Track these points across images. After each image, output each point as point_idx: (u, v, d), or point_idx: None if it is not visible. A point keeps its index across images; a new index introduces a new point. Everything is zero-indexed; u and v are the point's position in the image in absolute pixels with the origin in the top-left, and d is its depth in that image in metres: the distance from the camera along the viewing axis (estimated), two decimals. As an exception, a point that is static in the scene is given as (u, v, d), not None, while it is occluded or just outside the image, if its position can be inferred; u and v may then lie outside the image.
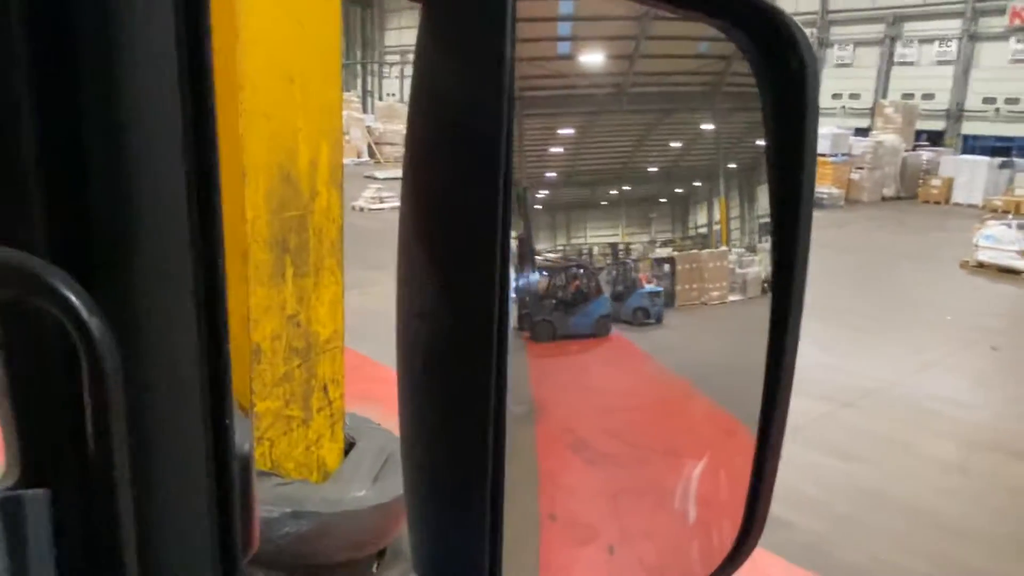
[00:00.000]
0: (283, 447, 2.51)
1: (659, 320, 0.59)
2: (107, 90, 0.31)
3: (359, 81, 41.62)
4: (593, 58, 0.58)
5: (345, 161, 3.35)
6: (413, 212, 0.38)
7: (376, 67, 41.97)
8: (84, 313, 0.30)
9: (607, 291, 0.57)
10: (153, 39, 0.31)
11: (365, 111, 31.23)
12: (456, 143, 0.36)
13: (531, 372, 0.56)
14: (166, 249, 0.33)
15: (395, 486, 2.55)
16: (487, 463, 0.37)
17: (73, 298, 0.30)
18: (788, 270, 0.54)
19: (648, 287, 0.58)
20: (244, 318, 2.23)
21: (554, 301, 0.54)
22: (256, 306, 2.26)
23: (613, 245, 0.60)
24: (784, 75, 0.50)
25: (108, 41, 0.30)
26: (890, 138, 23.10)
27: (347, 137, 22.79)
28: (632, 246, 0.60)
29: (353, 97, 31.31)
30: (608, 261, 0.59)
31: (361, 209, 15.09)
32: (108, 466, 0.32)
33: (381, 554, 2.74)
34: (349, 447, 2.86)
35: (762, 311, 0.60)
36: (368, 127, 25.70)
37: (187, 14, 0.32)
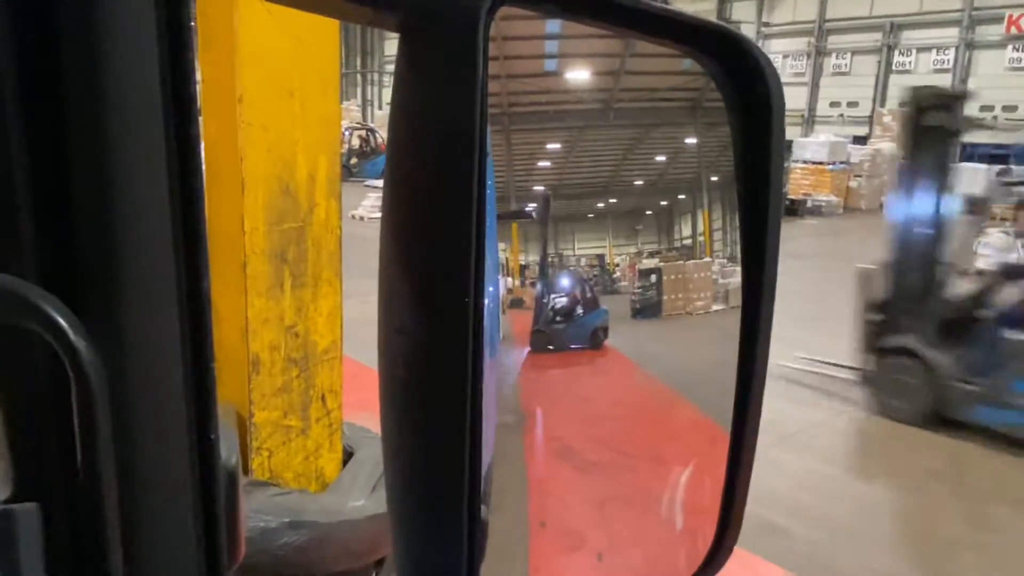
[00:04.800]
0: (281, 457, 2.52)
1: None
2: (93, 119, 0.32)
3: (359, 90, 41.71)
4: (581, 75, 0.60)
5: (343, 172, 3.36)
6: (392, 230, 0.40)
7: (376, 76, 42.07)
8: (72, 335, 0.31)
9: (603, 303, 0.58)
10: (138, 68, 0.32)
11: (365, 120, 31.30)
12: (432, 164, 0.38)
13: (522, 383, 0.58)
14: (151, 270, 0.34)
15: (393, 495, 2.55)
16: (464, 472, 0.38)
17: (62, 320, 0.31)
18: (757, 281, 0.56)
19: (602, 306, 0.58)
20: (242, 329, 2.24)
21: (551, 312, 0.55)
22: (254, 317, 2.27)
23: (600, 256, 0.61)
24: (751, 100, 0.52)
25: (93, 71, 0.31)
26: (888, 146, 23.13)
27: (347, 146, 22.84)
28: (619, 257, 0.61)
29: (353, 106, 31.39)
30: (595, 272, 0.60)
31: (361, 218, 15.09)
32: (95, 481, 0.33)
33: (379, 564, 2.75)
34: (347, 457, 2.86)
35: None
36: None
37: (171, 42, 0.33)
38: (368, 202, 16.20)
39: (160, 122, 0.33)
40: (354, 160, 22.93)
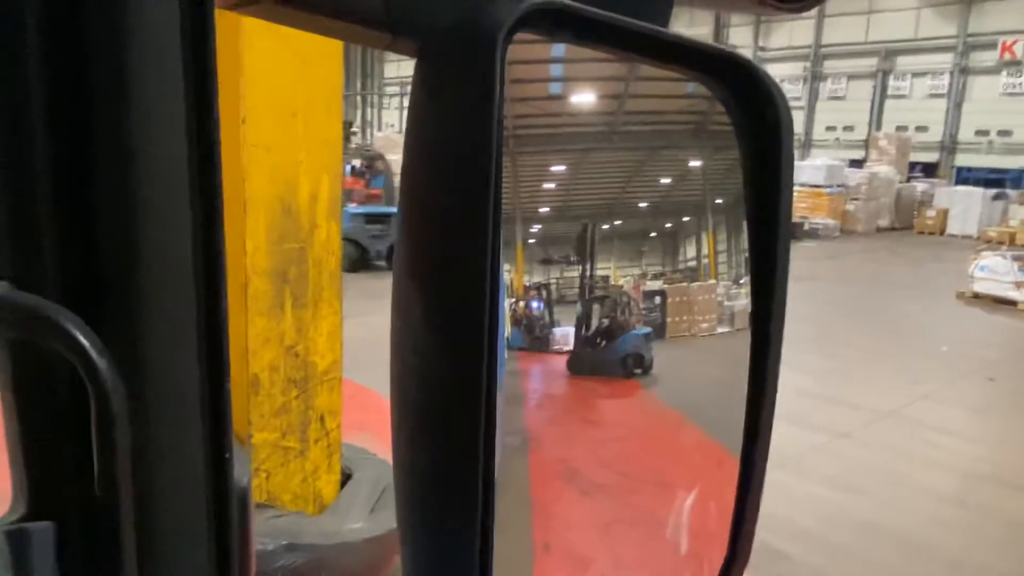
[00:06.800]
0: (280, 478, 2.51)
1: (648, 370, 0.56)
2: (116, 139, 0.32)
3: (359, 112, 41.95)
4: (585, 98, 0.60)
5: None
6: (407, 251, 0.41)
7: (375, 98, 42.33)
8: (93, 354, 0.32)
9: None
10: (161, 91, 0.33)
11: (364, 141, 31.45)
12: (448, 187, 0.39)
13: (526, 404, 0.57)
14: (170, 289, 0.35)
15: (392, 518, 2.54)
16: (478, 494, 0.38)
17: (83, 340, 0.31)
18: (767, 304, 0.56)
19: (639, 329, 0.57)
20: (243, 349, 2.24)
21: (588, 333, 0.54)
22: (255, 337, 2.27)
23: (604, 278, 0.61)
24: (760, 125, 0.53)
25: (119, 94, 0.32)
26: (885, 169, 23.29)
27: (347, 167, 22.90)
28: (623, 279, 0.61)
29: (353, 128, 31.52)
30: (599, 294, 0.60)
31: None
32: (113, 500, 0.33)
33: (377, 586, 2.73)
34: (346, 478, 2.85)
35: (748, 342, 0.61)
36: (367, 158, 25.86)
37: (195, 64, 0.33)
38: (367, 222, 16.19)
39: (183, 142, 0.33)
40: (349, 180, 22.98)
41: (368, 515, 2.60)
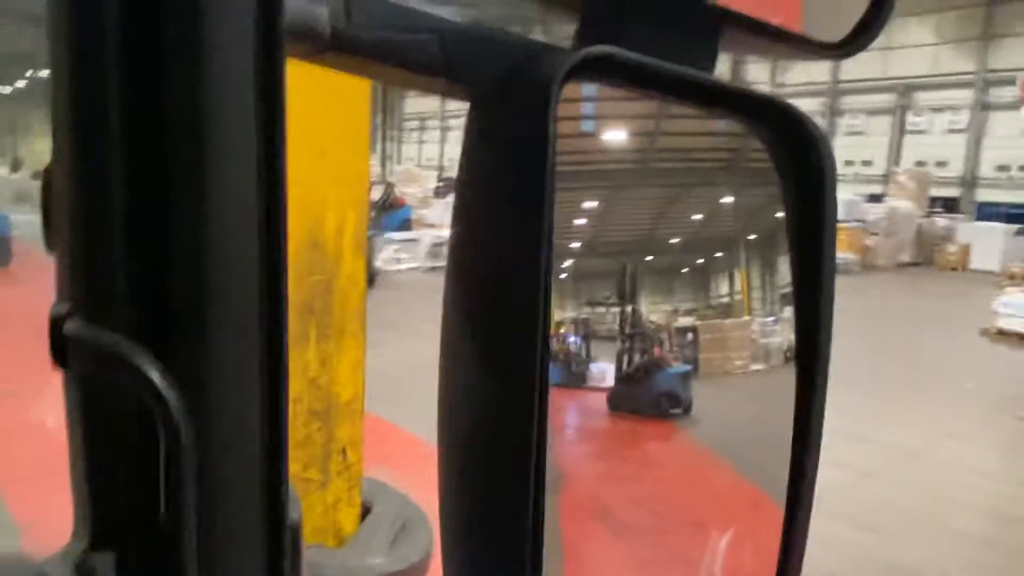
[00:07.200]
0: (301, 510, 2.50)
1: (688, 411, 0.56)
2: (189, 185, 0.34)
3: (379, 146, 42.50)
4: (617, 135, 0.61)
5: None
6: (457, 290, 0.42)
7: (396, 132, 42.88)
8: (164, 390, 0.32)
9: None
10: (233, 135, 0.34)
11: (384, 175, 31.81)
12: (500, 229, 0.40)
13: (558, 439, 0.57)
14: (235, 329, 0.35)
15: (412, 553, 2.52)
16: (527, 536, 0.38)
17: (154, 376, 0.32)
18: (812, 345, 0.56)
19: (677, 367, 0.56)
20: (268, 380, 2.25)
21: (628, 370, 0.54)
22: (279, 368, 2.28)
23: (636, 313, 0.61)
24: (804, 169, 0.54)
25: (193, 136, 0.33)
26: (905, 204, 23.19)
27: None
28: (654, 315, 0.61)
29: (373, 161, 31.93)
30: (626, 331, 0.60)
31: (378, 270, 15.21)
32: (176, 534, 0.34)
33: (395, 622, 2.69)
34: (365, 512, 2.83)
35: (785, 379, 0.61)
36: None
37: (266, 112, 0.35)
38: (386, 254, 16.37)
39: (253, 185, 0.34)
40: (372, 213, 23.28)
41: (389, 549, 2.58)
